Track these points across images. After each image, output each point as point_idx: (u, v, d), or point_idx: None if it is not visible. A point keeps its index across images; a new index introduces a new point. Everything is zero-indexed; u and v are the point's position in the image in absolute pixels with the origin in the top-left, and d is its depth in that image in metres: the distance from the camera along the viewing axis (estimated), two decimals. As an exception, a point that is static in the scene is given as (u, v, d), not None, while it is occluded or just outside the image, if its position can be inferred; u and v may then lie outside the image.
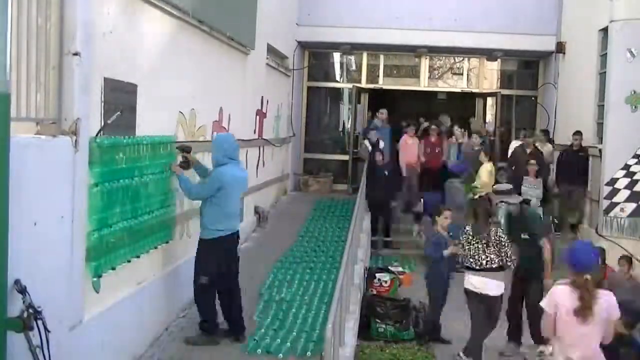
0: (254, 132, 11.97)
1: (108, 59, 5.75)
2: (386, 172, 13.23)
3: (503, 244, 7.65)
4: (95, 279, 5.53)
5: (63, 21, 4.98)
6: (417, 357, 8.13)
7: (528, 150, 13.07)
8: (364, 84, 17.36)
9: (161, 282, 7.11)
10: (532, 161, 12.44)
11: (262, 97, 12.45)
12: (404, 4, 15.71)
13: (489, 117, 18.22)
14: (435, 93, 19.40)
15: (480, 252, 7.63)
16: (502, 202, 8.97)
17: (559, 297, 5.21)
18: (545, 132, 14.63)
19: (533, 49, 15.94)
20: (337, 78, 18.85)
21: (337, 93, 18.95)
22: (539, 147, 13.40)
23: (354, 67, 18.31)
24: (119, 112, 5.72)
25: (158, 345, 6.82)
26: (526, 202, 9.33)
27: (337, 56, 18.35)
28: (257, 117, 12.20)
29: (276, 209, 13.71)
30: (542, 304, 5.40)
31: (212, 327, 6.92)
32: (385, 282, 9.96)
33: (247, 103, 11.30)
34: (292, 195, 15.72)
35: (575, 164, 12.66)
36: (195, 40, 8.29)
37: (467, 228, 7.85)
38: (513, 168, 13.26)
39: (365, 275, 9.82)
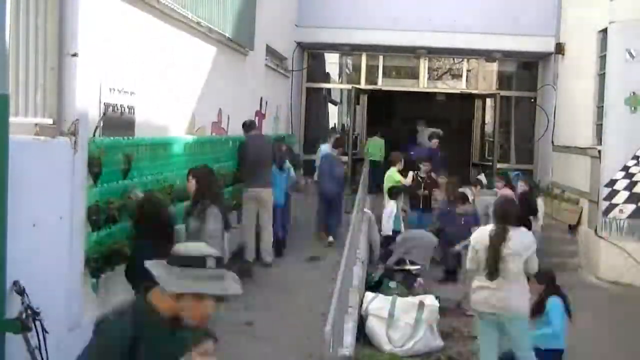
0: (253, 133, 11.96)
1: (107, 60, 5.75)
2: None
3: None
4: (94, 280, 5.51)
5: (62, 22, 4.97)
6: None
7: None
8: (363, 85, 17.35)
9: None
10: None
11: (261, 98, 12.45)
12: (403, 5, 15.71)
13: (488, 118, 18.24)
14: (434, 94, 19.41)
15: None
16: None
17: None
18: None
19: (532, 50, 15.94)
20: (336, 79, 18.86)
21: (336, 94, 18.95)
22: None
23: (352, 68, 18.31)
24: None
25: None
26: None
27: (336, 57, 18.37)
28: (256, 118, 12.19)
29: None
30: None
31: None
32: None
33: (246, 104, 11.30)
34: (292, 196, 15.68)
35: None
36: (194, 41, 8.29)
37: None
38: None
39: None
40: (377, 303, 8.14)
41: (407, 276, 9.72)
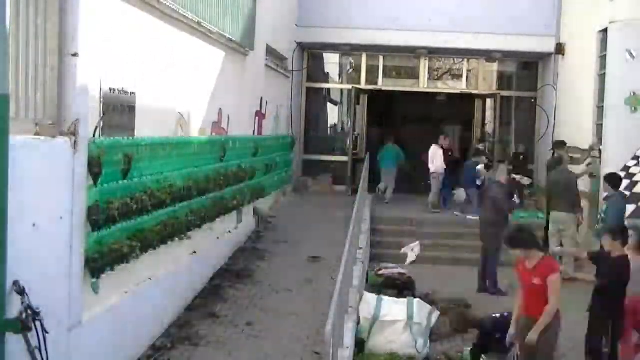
0: (253, 134, 11.97)
1: (107, 60, 5.75)
2: None
3: None
4: (94, 280, 5.52)
5: (62, 22, 4.97)
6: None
7: None
8: (363, 85, 17.36)
9: (161, 283, 7.10)
10: None
11: (262, 98, 12.45)
12: (403, 5, 15.71)
13: (489, 118, 18.24)
14: (434, 94, 19.42)
15: None
16: None
17: None
18: None
19: (532, 50, 15.94)
20: (337, 79, 18.86)
21: (336, 94, 18.97)
22: None
23: (353, 68, 18.31)
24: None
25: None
26: None
27: (336, 57, 18.36)
28: (257, 118, 12.21)
29: (276, 211, 13.70)
30: None
31: None
32: None
33: (246, 104, 11.30)
34: (291, 197, 15.73)
35: None
36: (195, 41, 8.29)
37: None
38: None
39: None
40: (388, 309, 7.94)
41: (401, 289, 9.62)
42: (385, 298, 8.09)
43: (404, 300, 8.07)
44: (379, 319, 7.65)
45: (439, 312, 8.12)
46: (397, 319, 7.66)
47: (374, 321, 7.63)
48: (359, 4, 15.88)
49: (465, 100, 18.95)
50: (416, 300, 8.12)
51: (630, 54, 11.33)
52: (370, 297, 7.98)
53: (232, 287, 8.98)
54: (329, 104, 19.16)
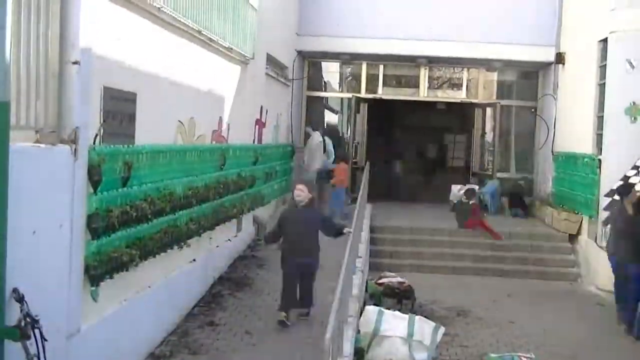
0: (253, 142, 11.98)
1: (108, 68, 5.76)
2: None
3: None
4: (93, 288, 5.51)
5: (63, 30, 4.98)
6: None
7: None
8: (363, 94, 17.38)
9: (160, 291, 7.09)
10: None
11: (262, 106, 12.46)
12: (403, 15, 15.74)
13: (488, 127, 18.26)
14: (434, 103, 19.44)
15: None
16: None
17: None
18: None
19: (532, 59, 15.97)
20: (337, 88, 18.89)
21: (336, 103, 18.98)
22: None
23: (353, 77, 18.34)
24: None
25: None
26: None
27: (336, 66, 18.39)
28: (257, 126, 12.21)
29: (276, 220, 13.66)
30: None
31: None
32: None
33: (247, 112, 11.31)
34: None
35: None
36: (195, 50, 8.30)
37: None
38: None
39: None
40: (389, 324, 7.86)
41: (400, 298, 9.59)
42: (386, 312, 8.02)
43: (405, 316, 7.98)
44: (379, 333, 7.60)
45: (444, 328, 8.00)
46: (397, 334, 7.60)
47: (374, 335, 7.58)
48: (359, 12, 15.91)
49: (465, 109, 18.98)
50: (418, 317, 8.02)
51: (630, 64, 11.36)
52: (371, 311, 7.92)
53: (231, 296, 8.97)
54: (329, 113, 19.18)
